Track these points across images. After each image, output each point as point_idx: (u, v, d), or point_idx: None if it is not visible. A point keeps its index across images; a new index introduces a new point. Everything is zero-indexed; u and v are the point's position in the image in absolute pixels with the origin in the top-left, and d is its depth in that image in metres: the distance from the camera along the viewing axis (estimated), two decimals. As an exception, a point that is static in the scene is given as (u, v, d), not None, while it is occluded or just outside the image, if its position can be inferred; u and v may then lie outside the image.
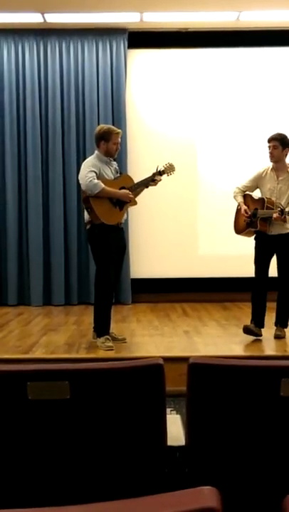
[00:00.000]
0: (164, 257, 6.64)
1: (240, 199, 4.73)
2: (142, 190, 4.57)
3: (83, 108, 6.58)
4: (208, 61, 6.71)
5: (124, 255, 4.67)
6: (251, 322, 4.67)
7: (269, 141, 4.60)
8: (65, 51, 6.54)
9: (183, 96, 6.71)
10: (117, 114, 6.55)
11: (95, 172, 4.30)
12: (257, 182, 4.70)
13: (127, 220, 4.97)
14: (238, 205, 4.75)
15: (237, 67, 6.69)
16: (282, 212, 4.41)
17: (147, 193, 4.65)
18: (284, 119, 6.45)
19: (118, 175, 4.54)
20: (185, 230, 6.68)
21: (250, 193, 4.77)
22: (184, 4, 5.84)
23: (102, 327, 4.46)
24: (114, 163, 4.57)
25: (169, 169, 4.60)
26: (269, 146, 4.59)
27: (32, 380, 1.55)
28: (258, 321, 4.64)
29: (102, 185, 4.26)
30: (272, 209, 4.50)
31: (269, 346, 4.55)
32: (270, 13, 6.06)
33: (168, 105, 6.71)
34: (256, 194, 4.77)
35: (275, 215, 4.46)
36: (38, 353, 4.35)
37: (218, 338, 4.87)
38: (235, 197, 4.77)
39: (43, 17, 6.12)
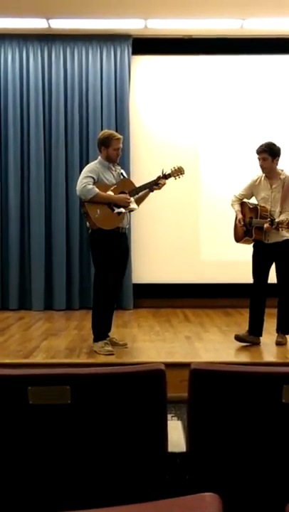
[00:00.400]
0: (165, 262, 6.64)
1: (237, 207, 4.74)
2: (146, 194, 4.55)
3: (87, 113, 6.59)
4: (211, 68, 6.72)
5: (127, 260, 4.66)
6: (247, 331, 4.67)
7: (258, 153, 4.57)
8: (70, 57, 6.57)
9: (186, 102, 6.72)
10: (121, 119, 6.56)
11: (92, 177, 4.31)
12: (252, 190, 4.71)
13: (129, 225, 4.97)
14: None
15: (240, 74, 6.70)
16: (272, 222, 4.42)
17: (149, 197, 4.64)
18: (286, 127, 6.47)
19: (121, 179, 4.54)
20: (187, 235, 6.68)
21: (248, 201, 4.78)
22: (188, 11, 5.87)
23: (99, 332, 4.45)
24: (119, 167, 4.56)
25: (177, 172, 4.56)
26: (259, 159, 4.58)
27: (33, 384, 1.55)
28: (255, 329, 4.64)
29: (97, 190, 4.27)
30: (266, 217, 4.51)
31: (270, 353, 4.54)
32: (275, 21, 6.07)
33: (171, 111, 6.72)
34: (254, 201, 4.78)
35: (265, 226, 4.47)
36: (38, 358, 4.35)
37: (219, 344, 4.86)
38: (232, 205, 4.78)
39: (48, 22, 6.14)
